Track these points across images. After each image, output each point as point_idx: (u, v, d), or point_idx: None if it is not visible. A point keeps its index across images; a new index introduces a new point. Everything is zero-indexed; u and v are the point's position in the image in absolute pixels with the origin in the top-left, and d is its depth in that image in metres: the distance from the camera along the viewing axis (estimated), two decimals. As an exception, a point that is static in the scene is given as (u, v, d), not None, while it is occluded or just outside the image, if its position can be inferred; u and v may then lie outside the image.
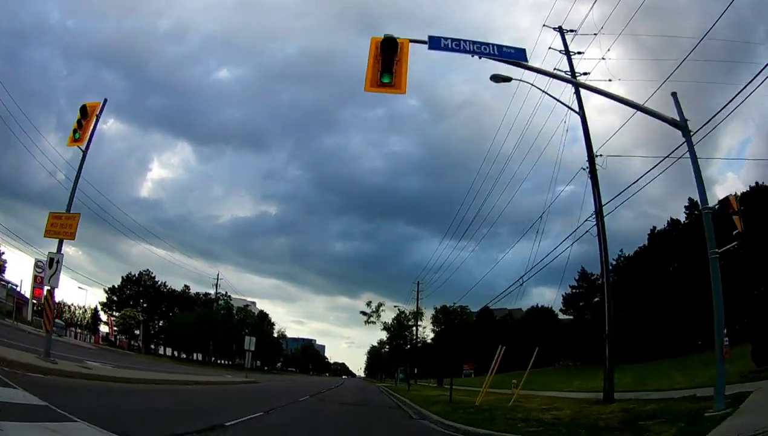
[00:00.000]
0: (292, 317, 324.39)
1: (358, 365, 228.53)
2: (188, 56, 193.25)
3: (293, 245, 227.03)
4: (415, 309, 57.51)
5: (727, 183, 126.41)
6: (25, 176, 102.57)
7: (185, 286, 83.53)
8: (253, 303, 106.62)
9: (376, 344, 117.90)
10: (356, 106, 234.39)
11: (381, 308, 52.89)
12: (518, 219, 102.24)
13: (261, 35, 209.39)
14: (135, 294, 72.59)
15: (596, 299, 50.16)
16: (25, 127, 62.95)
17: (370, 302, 57.81)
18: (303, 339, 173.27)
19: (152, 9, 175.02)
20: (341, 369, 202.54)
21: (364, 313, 59.51)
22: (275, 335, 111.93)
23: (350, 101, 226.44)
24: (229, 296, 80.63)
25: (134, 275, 74.22)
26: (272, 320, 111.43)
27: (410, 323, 58.76)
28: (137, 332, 69.16)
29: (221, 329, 70.22)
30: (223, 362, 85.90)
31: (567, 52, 20.26)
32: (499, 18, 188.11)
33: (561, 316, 61.79)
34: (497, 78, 15.27)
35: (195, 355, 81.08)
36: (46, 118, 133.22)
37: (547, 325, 59.91)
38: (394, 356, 78.18)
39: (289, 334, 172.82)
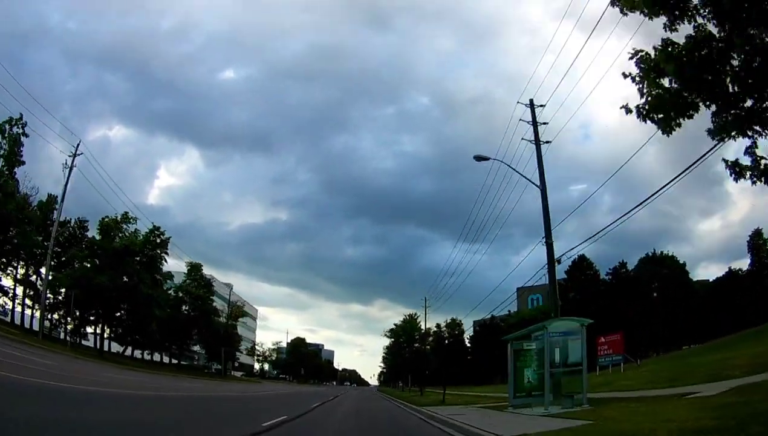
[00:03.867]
0: (305, 325, 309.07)
1: (371, 372, 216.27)
2: (192, 56, 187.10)
3: (304, 251, 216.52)
4: None
5: None
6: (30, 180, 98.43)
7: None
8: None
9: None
10: (366, 104, 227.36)
11: None
12: (531, 220, 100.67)
13: (266, 32, 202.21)
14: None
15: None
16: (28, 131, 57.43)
17: None
18: (313, 346, 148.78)
19: (154, 8, 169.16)
20: (350, 377, 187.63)
21: None
22: (216, 306, 67.21)
23: (360, 99, 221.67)
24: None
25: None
26: (211, 281, 65.79)
27: None
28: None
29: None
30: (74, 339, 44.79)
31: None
32: (509, 9, 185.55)
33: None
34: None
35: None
36: (51, 122, 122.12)
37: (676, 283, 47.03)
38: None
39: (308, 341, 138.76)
